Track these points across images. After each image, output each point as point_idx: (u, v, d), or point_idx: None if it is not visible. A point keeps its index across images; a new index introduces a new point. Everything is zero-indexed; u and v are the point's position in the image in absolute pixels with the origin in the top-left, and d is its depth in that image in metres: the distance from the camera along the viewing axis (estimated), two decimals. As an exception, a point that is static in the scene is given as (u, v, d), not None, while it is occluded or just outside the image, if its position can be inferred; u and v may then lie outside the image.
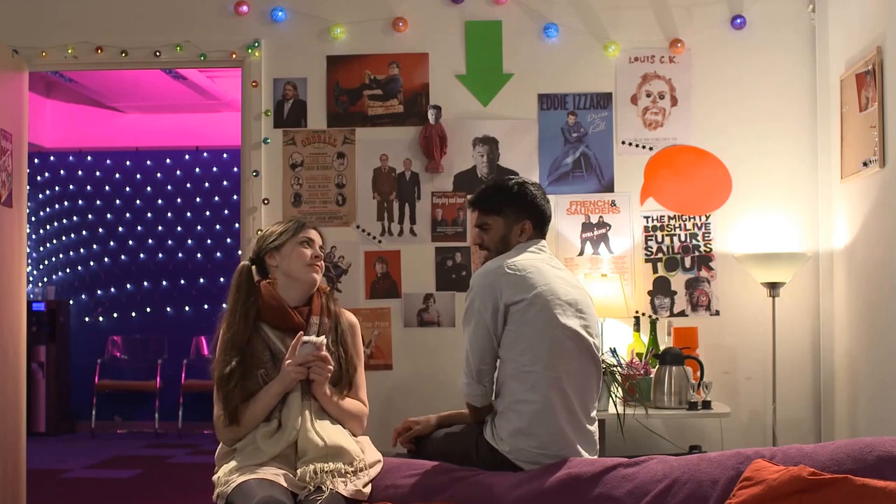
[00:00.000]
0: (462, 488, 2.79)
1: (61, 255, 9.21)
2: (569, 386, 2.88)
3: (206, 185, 9.08)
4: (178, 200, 9.10)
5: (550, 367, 2.85)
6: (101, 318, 9.13)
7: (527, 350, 2.86)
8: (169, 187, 9.12)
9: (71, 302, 9.07)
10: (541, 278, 2.90)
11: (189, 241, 9.09)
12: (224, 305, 2.97)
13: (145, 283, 9.11)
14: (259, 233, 3.04)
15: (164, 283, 9.09)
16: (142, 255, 9.11)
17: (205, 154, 9.10)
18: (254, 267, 2.98)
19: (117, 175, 9.16)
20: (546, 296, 2.88)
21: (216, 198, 9.07)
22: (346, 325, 3.00)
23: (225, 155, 9.03)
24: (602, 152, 4.47)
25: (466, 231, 4.44)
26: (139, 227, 9.12)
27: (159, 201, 9.11)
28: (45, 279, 9.20)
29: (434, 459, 3.00)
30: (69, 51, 4.55)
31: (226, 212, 9.03)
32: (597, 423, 3.03)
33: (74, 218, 9.19)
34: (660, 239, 4.44)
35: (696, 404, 3.87)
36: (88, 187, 9.19)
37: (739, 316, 4.38)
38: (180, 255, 9.09)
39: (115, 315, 9.13)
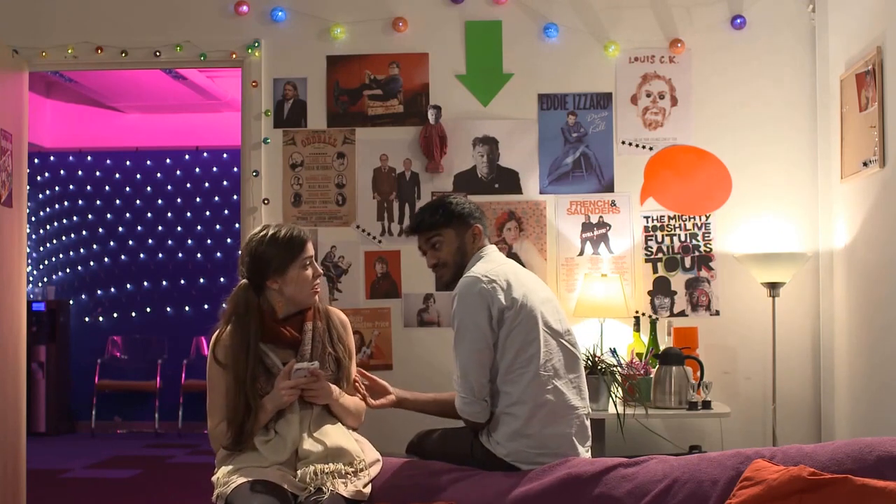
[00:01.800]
0: (462, 488, 2.80)
1: (61, 255, 9.21)
2: (560, 381, 2.92)
3: (206, 185, 9.09)
4: (178, 200, 9.11)
5: (542, 366, 2.89)
6: (101, 318, 9.14)
7: (519, 353, 2.89)
8: (169, 187, 9.12)
9: (71, 302, 9.07)
10: (520, 283, 2.97)
11: (189, 241, 9.09)
12: (224, 305, 2.96)
13: (145, 283, 9.12)
14: (249, 243, 2.93)
15: (164, 283, 9.10)
16: (142, 255, 9.12)
17: (205, 154, 9.10)
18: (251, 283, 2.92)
19: (117, 175, 9.17)
20: (530, 298, 2.94)
21: (216, 198, 9.08)
22: (338, 323, 3.01)
23: (225, 155, 9.03)
24: (602, 152, 4.47)
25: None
26: (139, 227, 9.12)
27: (159, 201, 9.12)
28: (45, 279, 9.21)
29: (431, 459, 3.01)
30: (69, 51, 4.54)
31: (226, 212, 9.04)
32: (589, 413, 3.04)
33: (74, 218, 9.20)
34: (660, 239, 4.44)
35: (696, 404, 3.87)
36: (88, 187, 9.19)
37: (739, 316, 4.38)
38: (180, 255, 9.10)
39: (115, 315, 9.14)
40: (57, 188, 9.21)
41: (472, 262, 3.05)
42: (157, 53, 4.52)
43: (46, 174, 9.18)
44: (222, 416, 2.84)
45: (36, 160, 8.99)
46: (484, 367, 2.90)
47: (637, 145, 4.46)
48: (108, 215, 9.16)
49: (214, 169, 9.10)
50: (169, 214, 9.11)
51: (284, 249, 2.87)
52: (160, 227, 9.11)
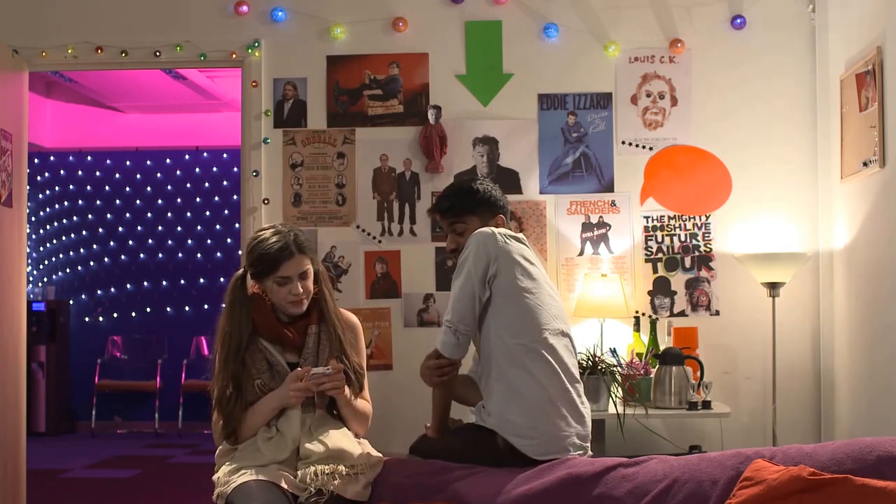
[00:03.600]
0: (462, 487, 2.80)
1: (61, 255, 9.21)
2: (554, 360, 2.90)
3: (206, 185, 9.09)
4: (178, 200, 9.11)
5: (535, 341, 2.88)
6: (101, 318, 9.14)
7: (510, 328, 2.88)
8: (169, 187, 9.12)
9: (71, 302, 9.07)
10: (536, 267, 2.98)
11: (189, 241, 9.09)
12: (223, 305, 2.96)
13: (145, 283, 9.12)
14: (249, 239, 2.94)
15: (164, 283, 9.10)
16: (142, 255, 9.12)
17: (205, 154, 9.11)
18: (248, 274, 2.91)
19: (117, 175, 9.17)
20: (541, 289, 2.94)
21: (216, 198, 9.08)
22: (347, 328, 2.98)
23: (225, 155, 9.04)
24: (602, 152, 4.47)
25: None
26: (139, 227, 9.13)
27: (159, 201, 9.12)
28: (45, 279, 9.21)
29: (433, 457, 3.01)
30: (69, 51, 4.54)
31: (226, 212, 9.04)
32: (588, 407, 3.02)
33: (74, 218, 9.20)
34: (660, 239, 4.44)
35: (696, 404, 3.87)
36: (88, 187, 9.19)
37: (739, 316, 4.38)
38: (180, 255, 9.10)
39: (115, 315, 9.14)
40: (57, 188, 9.21)
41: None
42: (157, 53, 4.53)
43: (46, 174, 9.19)
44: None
45: (36, 160, 8.99)
46: (466, 308, 2.90)
47: (637, 145, 4.46)
48: (108, 215, 9.16)
49: (214, 169, 9.10)
50: (169, 214, 9.11)
51: (259, 262, 2.84)
52: (160, 227, 9.11)
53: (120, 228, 9.14)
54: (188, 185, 9.10)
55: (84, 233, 9.19)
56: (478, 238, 2.94)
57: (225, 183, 9.03)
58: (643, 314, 4.35)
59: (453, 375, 3.01)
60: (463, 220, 3.11)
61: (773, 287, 4.13)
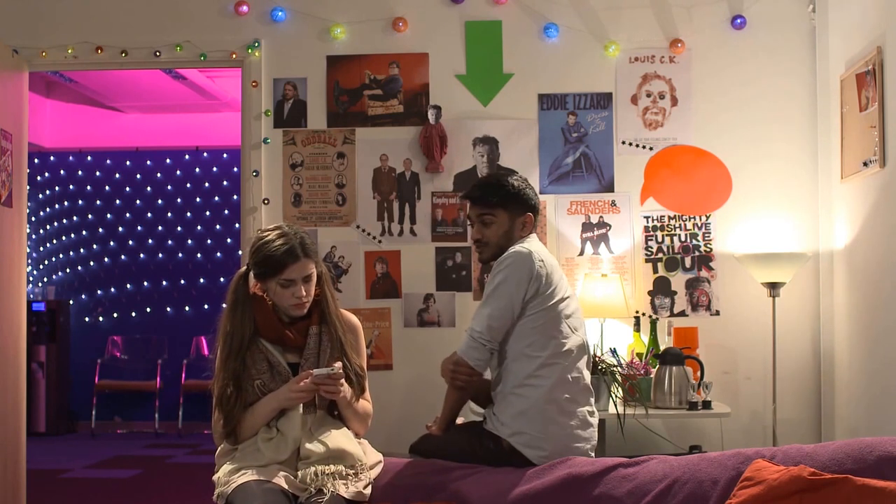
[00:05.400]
0: (462, 487, 2.80)
1: (61, 255, 9.21)
2: (571, 374, 2.96)
3: (206, 185, 9.09)
4: (178, 200, 9.11)
5: (554, 355, 2.94)
6: (101, 318, 9.14)
7: (534, 343, 2.94)
8: (169, 187, 9.12)
9: (71, 302, 9.07)
10: (560, 280, 3.02)
11: (189, 241, 9.09)
12: (224, 305, 2.95)
13: (145, 283, 9.12)
14: (254, 235, 2.91)
15: (164, 283, 9.10)
16: (142, 255, 9.12)
17: (205, 154, 9.10)
18: (251, 273, 2.91)
19: (117, 175, 9.17)
20: (564, 302, 3.00)
21: (216, 198, 9.08)
22: (348, 329, 2.97)
23: (225, 155, 9.03)
24: (602, 152, 4.47)
25: (467, 231, 4.44)
26: (139, 227, 9.12)
27: (159, 201, 9.12)
28: (45, 279, 9.21)
29: (436, 456, 3.02)
30: (69, 51, 4.55)
31: (226, 212, 9.04)
32: (597, 417, 3.08)
33: (74, 218, 9.20)
34: (660, 239, 4.44)
35: (696, 404, 3.87)
36: (88, 187, 9.19)
37: (739, 316, 4.38)
38: (180, 255, 9.10)
39: (115, 315, 9.14)
40: (57, 188, 9.20)
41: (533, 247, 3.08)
42: (157, 53, 4.53)
43: (46, 174, 9.18)
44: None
45: (36, 160, 8.99)
46: (503, 328, 2.95)
47: (637, 145, 4.46)
48: (108, 215, 9.16)
49: (214, 169, 9.10)
50: (169, 214, 9.11)
51: (264, 264, 2.82)
52: (160, 227, 9.11)
53: (120, 228, 9.14)
54: (188, 185, 9.10)
55: (84, 233, 9.19)
56: (516, 259, 2.96)
57: (225, 183, 9.03)
58: (643, 314, 4.35)
59: (474, 383, 3.03)
60: (492, 212, 3.09)
61: (773, 287, 4.13)
